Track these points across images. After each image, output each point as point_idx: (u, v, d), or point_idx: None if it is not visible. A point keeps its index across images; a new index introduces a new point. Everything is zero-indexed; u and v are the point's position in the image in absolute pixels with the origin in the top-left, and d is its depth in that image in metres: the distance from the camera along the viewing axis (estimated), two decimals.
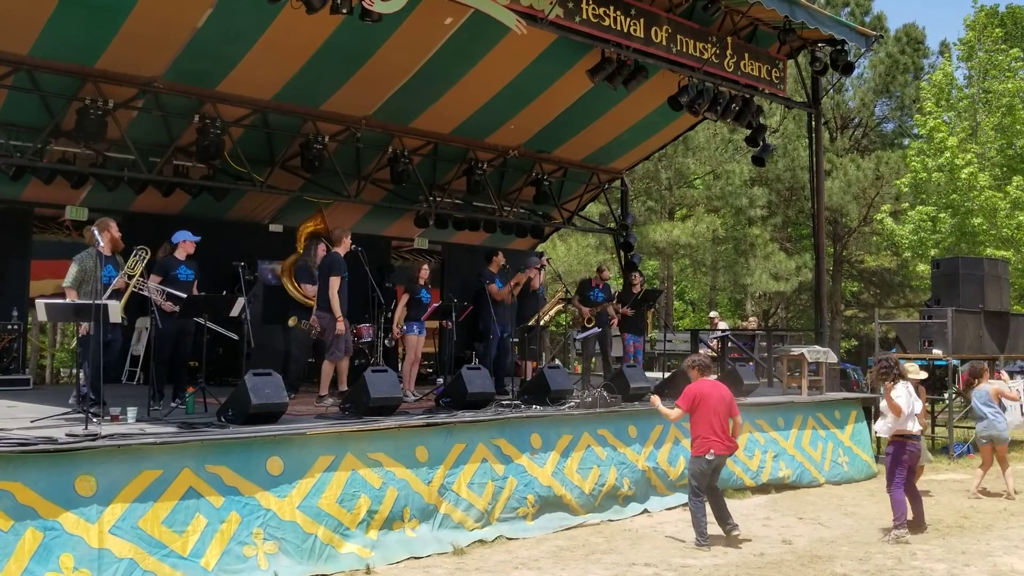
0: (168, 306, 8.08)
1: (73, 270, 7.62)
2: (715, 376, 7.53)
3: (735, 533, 7.24)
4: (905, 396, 7.61)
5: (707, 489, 7.24)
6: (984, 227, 19.82)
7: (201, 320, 8.09)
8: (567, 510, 7.96)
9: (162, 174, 10.65)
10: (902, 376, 7.72)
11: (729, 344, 14.44)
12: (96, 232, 7.47)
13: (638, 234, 19.53)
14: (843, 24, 11.84)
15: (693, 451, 7.30)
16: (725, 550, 7.07)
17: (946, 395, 13.04)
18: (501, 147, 13.30)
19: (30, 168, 10.00)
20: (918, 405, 7.77)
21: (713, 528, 7.26)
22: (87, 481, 5.44)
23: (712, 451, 7.16)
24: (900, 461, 7.68)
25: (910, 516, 7.73)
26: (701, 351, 13.07)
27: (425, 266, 10.55)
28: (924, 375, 9.10)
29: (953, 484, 10.35)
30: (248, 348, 8.07)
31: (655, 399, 7.90)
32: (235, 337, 8.92)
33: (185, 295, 8.10)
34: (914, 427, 7.66)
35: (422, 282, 10.13)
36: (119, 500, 5.53)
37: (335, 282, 8.75)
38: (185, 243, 8.53)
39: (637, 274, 13.25)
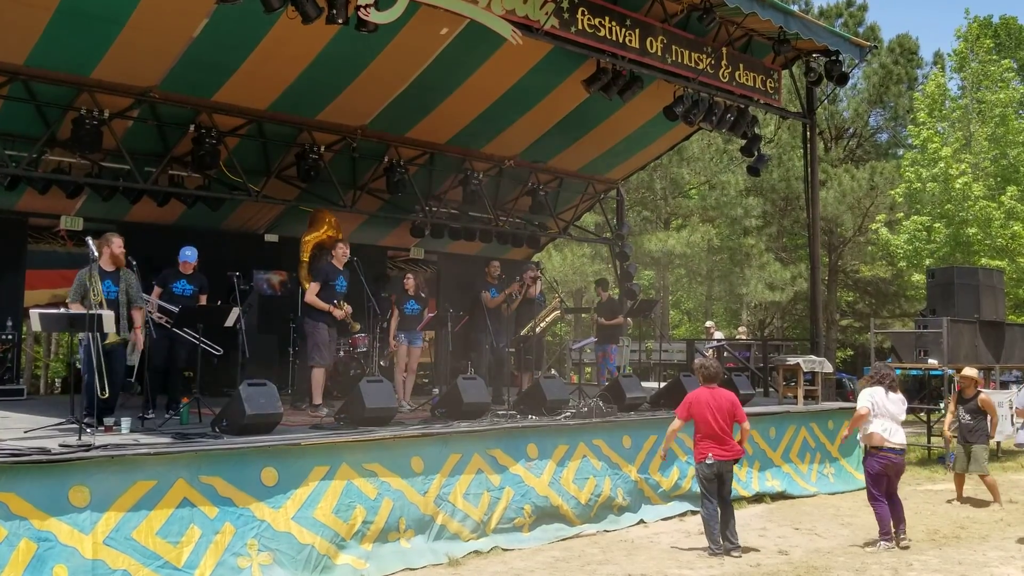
0: (161, 318, 8.11)
1: (73, 285, 7.55)
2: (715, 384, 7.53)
3: (734, 554, 7.18)
4: (867, 400, 7.49)
5: (717, 496, 7.24)
6: (979, 237, 19.89)
7: (188, 334, 8.11)
8: (563, 520, 7.94)
9: (158, 184, 10.61)
10: (880, 383, 7.62)
11: (725, 354, 14.44)
12: (90, 243, 7.43)
13: (633, 244, 19.53)
14: (837, 35, 11.89)
15: (695, 457, 7.41)
16: (721, 560, 7.05)
17: (942, 405, 13.04)
18: (497, 157, 13.30)
19: (25, 178, 9.96)
20: (897, 411, 7.56)
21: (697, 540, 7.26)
22: (81, 491, 5.42)
23: (711, 455, 7.18)
24: (874, 475, 7.54)
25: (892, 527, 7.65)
26: (701, 359, 13.05)
27: (409, 276, 10.49)
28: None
29: (949, 494, 10.32)
30: (243, 358, 8.06)
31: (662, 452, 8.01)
32: (218, 351, 8.89)
33: (177, 309, 8.17)
34: (893, 439, 7.47)
35: (411, 292, 10.16)
36: (113, 511, 5.51)
37: (313, 287, 8.87)
38: (185, 263, 8.63)
39: (601, 288, 13.19)
